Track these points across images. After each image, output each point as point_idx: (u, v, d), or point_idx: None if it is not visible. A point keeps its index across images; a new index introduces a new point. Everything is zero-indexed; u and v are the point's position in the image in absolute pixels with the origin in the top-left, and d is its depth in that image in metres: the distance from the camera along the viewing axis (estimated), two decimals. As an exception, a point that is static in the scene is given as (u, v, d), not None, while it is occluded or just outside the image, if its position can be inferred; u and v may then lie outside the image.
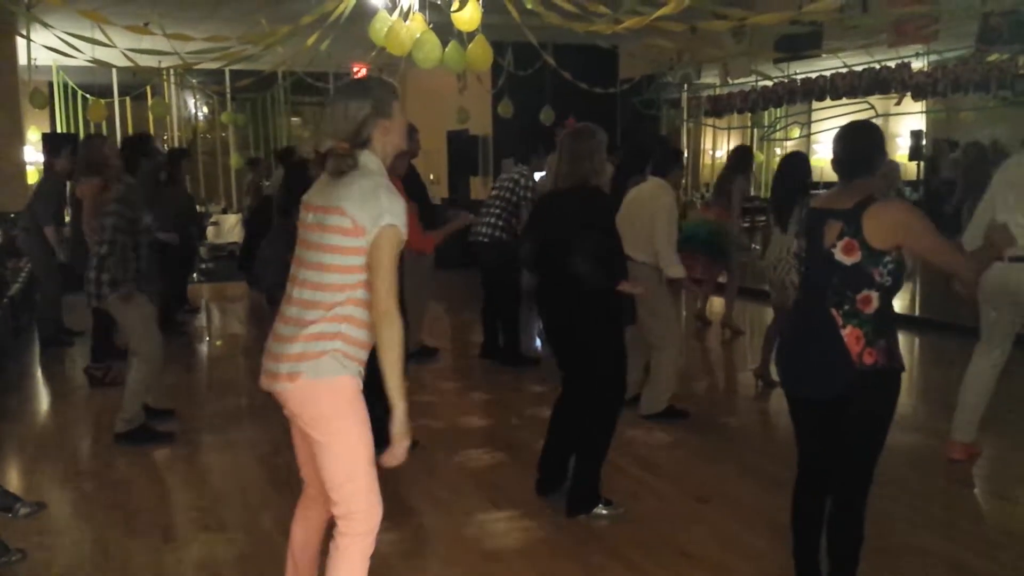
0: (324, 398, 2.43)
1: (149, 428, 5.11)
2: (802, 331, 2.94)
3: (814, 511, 3.06)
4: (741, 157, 7.78)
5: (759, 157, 14.56)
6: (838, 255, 2.77)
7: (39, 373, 7.07)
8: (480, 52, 6.66)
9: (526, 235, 4.20)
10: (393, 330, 2.37)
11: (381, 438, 2.47)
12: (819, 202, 2.93)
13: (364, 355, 2.49)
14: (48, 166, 7.76)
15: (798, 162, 5.79)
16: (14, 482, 4.51)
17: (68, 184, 7.54)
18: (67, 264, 7.12)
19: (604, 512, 3.94)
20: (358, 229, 2.39)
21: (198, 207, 11.08)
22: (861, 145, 2.89)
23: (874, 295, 2.76)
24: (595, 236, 3.81)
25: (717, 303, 8.53)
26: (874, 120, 3.70)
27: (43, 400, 6.41)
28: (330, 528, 2.61)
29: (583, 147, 3.88)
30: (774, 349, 5.95)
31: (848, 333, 2.77)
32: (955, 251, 2.87)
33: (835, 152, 2.94)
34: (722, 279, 8.12)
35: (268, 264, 6.47)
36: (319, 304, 2.43)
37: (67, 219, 7.58)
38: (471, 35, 6.62)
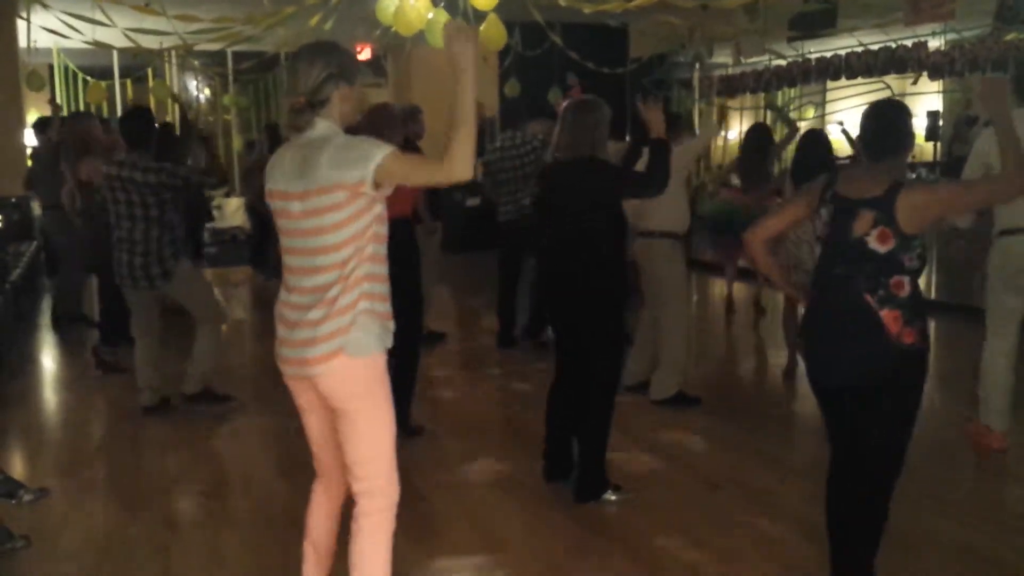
0: (361, 374, 2.44)
1: (214, 391, 5.32)
2: (835, 321, 2.86)
3: (836, 491, 2.98)
4: (768, 136, 7.61)
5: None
6: (872, 244, 2.73)
7: (41, 359, 7.02)
8: (494, 32, 6.53)
9: (538, 208, 4.13)
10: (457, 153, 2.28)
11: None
12: (845, 189, 2.83)
13: (389, 309, 2.51)
14: (41, 144, 7.63)
15: (818, 139, 5.69)
16: (17, 468, 4.47)
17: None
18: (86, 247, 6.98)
19: (613, 498, 3.89)
20: (357, 189, 2.35)
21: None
22: (893, 122, 2.86)
23: (905, 280, 2.75)
24: (606, 210, 3.77)
25: (736, 288, 8.41)
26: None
27: (46, 386, 6.37)
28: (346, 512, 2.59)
29: (587, 119, 3.79)
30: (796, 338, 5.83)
31: (886, 315, 2.74)
32: (990, 181, 2.77)
33: (864, 130, 2.88)
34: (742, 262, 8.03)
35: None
36: (334, 283, 2.40)
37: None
38: (481, 14, 6.50)
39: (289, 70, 2.50)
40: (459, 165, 2.27)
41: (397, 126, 4.34)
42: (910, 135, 2.89)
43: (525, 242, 6.29)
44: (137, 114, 5.36)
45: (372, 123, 4.16)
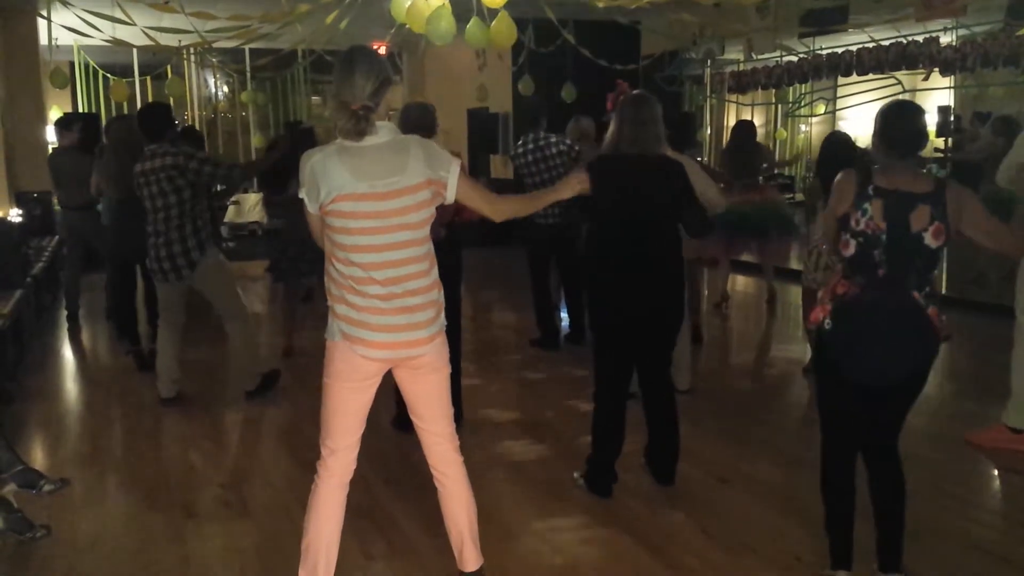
0: (444, 342, 2.81)
1: (265, 375, 5.56)
2: (889, 321, 2.82)
3: (850, 484, 3.02)
4: (753, 132, 7.77)
5: (782, 134, 14.39)
6: (928, 240, 2.77)
7: (62, 351, 7.14)
8: (503, 29, 6.59)
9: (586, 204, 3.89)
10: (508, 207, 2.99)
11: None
12: (890, 183, 2.81)
13: None
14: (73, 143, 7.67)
15: (841, 141, 5.74)
16: (38, 459, 4.56)
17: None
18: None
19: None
20: (441, 184, 2.67)
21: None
22: (919, 121, 2.92)
23: (935, 274, 2.87)
24: (695, 204, 3.80)
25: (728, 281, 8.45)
26: (902, 96, 3.72)
27: (67, 378, 6.47)
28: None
29: (647, 113, 3.76)
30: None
31: (932, 312, 2.83)
32: (1009, 233, 2.91)
33: (898, 128, 2.88)
34: (746, 256, 8.13)
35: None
36: (425, 272, 2.68)
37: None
38: (492, 11, 6.56)
39: (341, 78, 2.61)
40: (505, 216, 2.96)
41: (437, 125, 4.46)
42: (927, 135, 2.96)
43: (555, 242, 6.32)
44: (155, 109, 5.47)
45: (417, 121, 4.24)
